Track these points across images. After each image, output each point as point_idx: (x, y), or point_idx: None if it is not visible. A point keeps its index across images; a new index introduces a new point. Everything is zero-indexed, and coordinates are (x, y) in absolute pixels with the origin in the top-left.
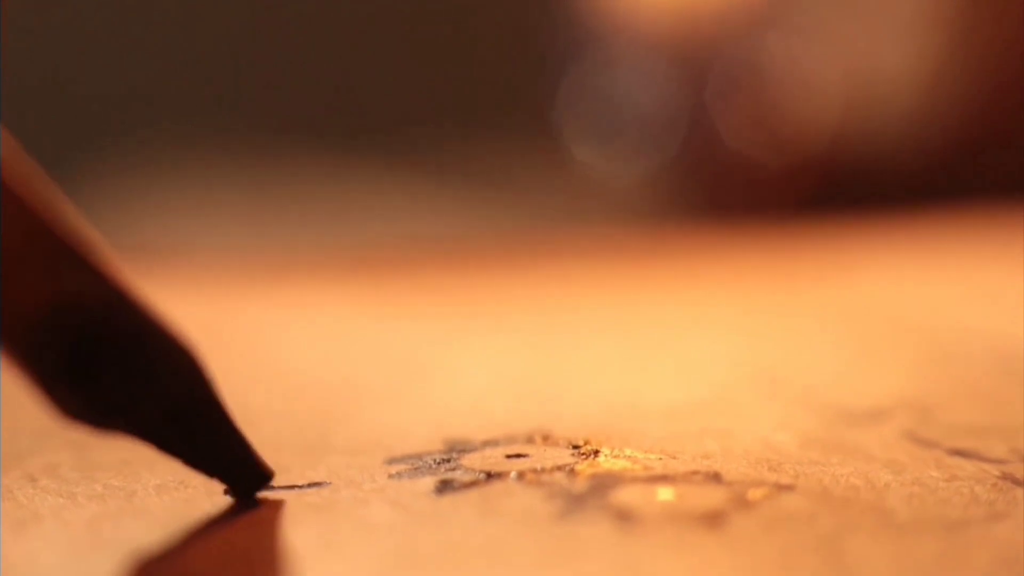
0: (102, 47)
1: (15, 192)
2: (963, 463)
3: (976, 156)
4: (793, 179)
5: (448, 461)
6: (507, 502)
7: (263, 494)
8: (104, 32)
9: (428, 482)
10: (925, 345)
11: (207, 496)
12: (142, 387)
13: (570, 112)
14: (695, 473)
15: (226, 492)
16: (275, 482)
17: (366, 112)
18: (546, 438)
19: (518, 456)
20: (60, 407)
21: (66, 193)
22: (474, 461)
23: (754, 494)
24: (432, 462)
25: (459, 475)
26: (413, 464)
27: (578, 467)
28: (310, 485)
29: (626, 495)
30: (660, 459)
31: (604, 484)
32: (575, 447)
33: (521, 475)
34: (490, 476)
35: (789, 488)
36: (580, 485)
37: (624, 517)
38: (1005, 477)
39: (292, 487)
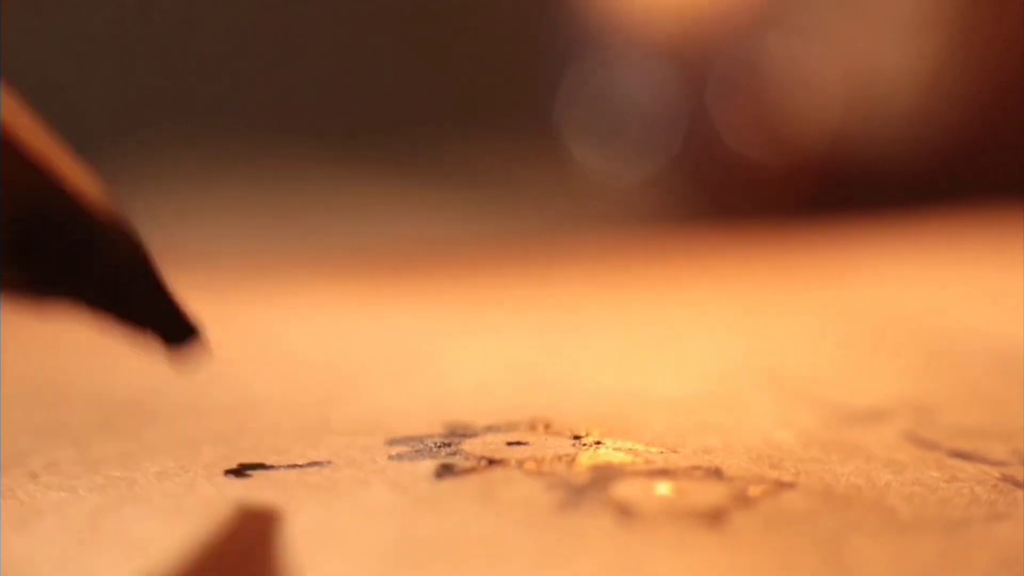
0: (102, 48)
1: None
2: (964, 464)
3: (976, 156)
4: (793, 179)
5: (449, 445)
6: (507, 490)
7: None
8: (104, 32)
9: (428, 465)
10: (925, 346)
11: (208, 480)
12: (80, 258)
13: (571, 112)
14: (696, 468)
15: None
16: (276, 461)
17: (367, 113)
18: (548, 427)
19: (519, 444)
20: (4, 285)
21: None
22: (475, 446)
23: (755, 491)
24: (433, 445)
25: (459, 460)
26: (414, 446)
27: (579, 458)
28: (311, 464)
29: (626, 489)
30: (661, 453)
31: (605, 476)
32: (576, 437)
33: (521, 463)
34: (491, 462)
35: (790, 486)
36: (580, 476)
37: (624, 511)
38: (1005, 478)
39: (293, 466)
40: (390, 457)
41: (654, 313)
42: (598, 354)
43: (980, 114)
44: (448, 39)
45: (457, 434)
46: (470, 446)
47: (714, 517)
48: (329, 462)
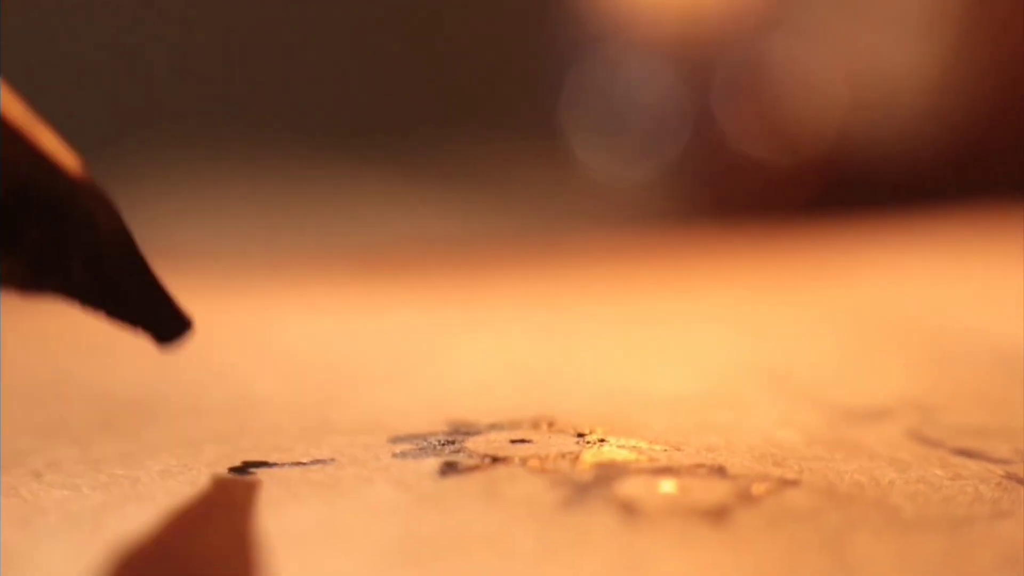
0: (102, 48)
1: None
2: (967, 462)
3: (979, 156)
4: (796, 179)
5: (452, 443)
6: (511, 488)
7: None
8: (104, 32)
9: (432, 463)
10: (928, 345)
11: (211, 478)
12: (67, 244)
13: (573, 112)
14: (699, 466)
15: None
16: (279, 459)
17: (367, 113)
18: (551, 425)
19: (523, 441)
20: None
21: None
22: (478, 444)
23: (758, 489)
24: (436, 443)
25: (463, 458)
26: (417, 444)
27: (583, 456)
28: (314, 462)
29: (630, 486)
30: (665, 451)
31: (608, 474)
32: (580, 435)
33: (525, 461)
34: (494, 460)
35: (793, 483)
36: (584, 474)
37: (628, 509)
38: (1009, 476)
39: (296, 464)
40: (394, 455)
41: (657, 311)
42: (601, 352)
43: (983, 114)
44: (448, 39)
45: (461, 432)
46: (474, 444)
47: (718, 515)
48: (332, 460)
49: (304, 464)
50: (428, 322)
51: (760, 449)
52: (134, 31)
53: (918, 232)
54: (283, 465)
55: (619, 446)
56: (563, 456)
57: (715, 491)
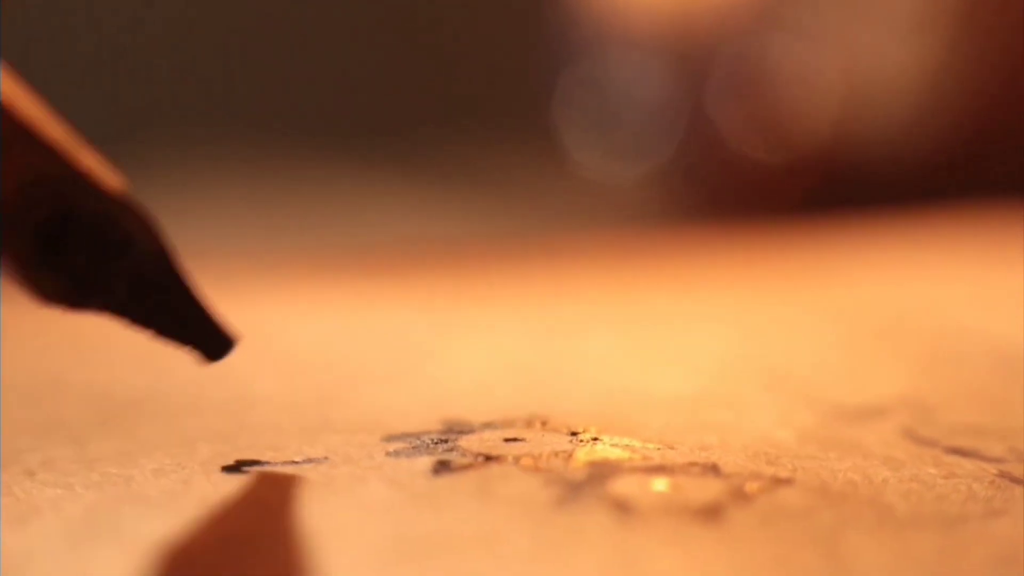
0: (102, 48)
1: None
2: (961, 461)
3: (975, 155)
4: (793, 177)
5: (446, 442)
6: (504, 487)
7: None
8: (104, 33)
9: (425, 462)
10: (924, 344)
11: (205, 476)
12: (110, 261)
13: (570, 112)
14: (693, 465)
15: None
16: (274, 458)
17: (366, 113)
18: (545, 423)
19: (516, 440)
20: (36, 290)
21: None
22: (472, 443)
23: (752, 487)
24: (430, 442)
25: (456, 456)
26: (411, 443)
27: (576, 454)
28: (308, 461)
29: (624, 485)
30: (658, 449)
31: (602, 473)
32: (573, 434)
33: (518, 459)
34: (488, 459)
35: (787, 482)
36: (578, 473)
37: (621, 507)
38: (1003, 475)
39: (290, 463)
40: (387, 454)
41: (652, 311)
42: (595, 351)
43: (979, 113)
44: (447, 40)
45: (454, 431)
46: (467, 443)
47: (711, 513)
48: (326, 459)
49: (298, 463)
50: (424, 321)
51: (754, 448)
52: (134, 31)
53: (914, 231)
54: (277, 464)
55: (613, 445)
56: (557, 455)
57: (708, 490)
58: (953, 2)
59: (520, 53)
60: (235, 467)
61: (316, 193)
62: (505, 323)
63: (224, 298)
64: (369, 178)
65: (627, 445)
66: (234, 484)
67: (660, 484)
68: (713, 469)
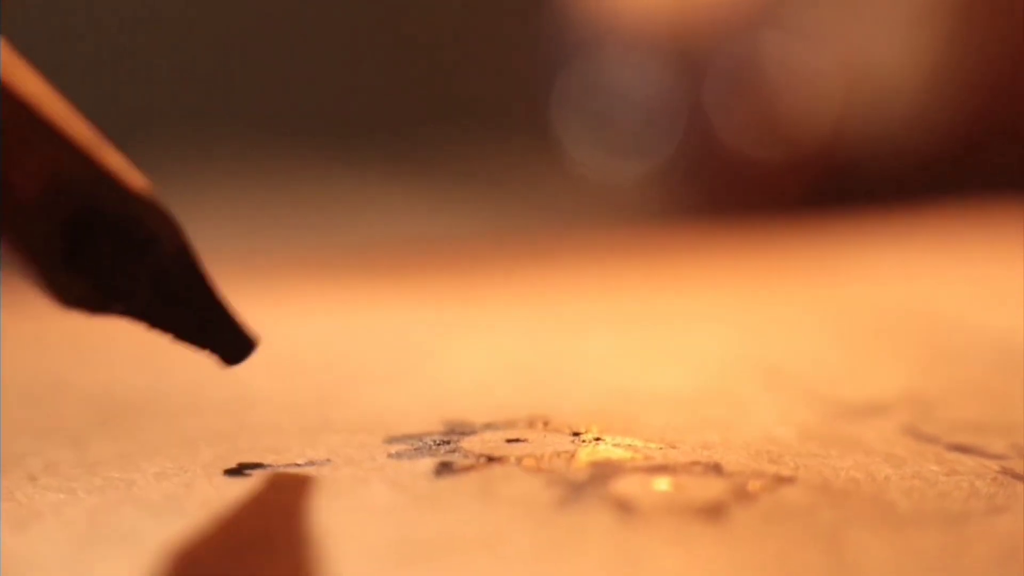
0: (102, 49)
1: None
2: (963, 458)
3: (975, 151)
4: (792, 175)
5: (448, 443)
6: (506, 487)
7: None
8: (104, 33)
9: (428, 463)
10: (925, 340)
11: (206, 480)
12: (133, 264)
13: (569, 111)
14: (695, 464)
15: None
16: (275, 460)
17: (366, 113)
18: (547, 424)
19: (518, 441)
20: (61, 294)
21: None
22: (474, 444)
23: (754, 486)
24: (432, 443)
25: (458, 458)
26: (413, 444)
27: (578, 454)
28: (310, 463)
29: (626, 485)
30: (660, 448)
31: (604, 473)
32: (575, 434)
33: (520, 460)
34: (490, 460)
35: (789, 480)
36: (580, 473)
37: (624, 507)
38: (1005, 472)
39: (292, 465)
40: (389, 455)
41: (653, 309)
42: (597, 351)
43: (978, 109)
44: (447, 40)
45: (456, 432)
46: (469, 444)
47: (713, 512)
48: (328, 460)
49: (300, 465)
50: (425, 322)
51: (756, 446)
52: (134, 31)
53: (913, 228)
54: (279, 466)
55: (615, 444)
56: (559, 455)
57: (711, 488)
58: (950, 0)
59: (519, 53)
60: (237, 470)
61: (316, 193)
62: (506, 323)
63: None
64: (369, 178)
65: (629, 445)
66: (236, 487)
67: (662, 483)
68: (715, 468)
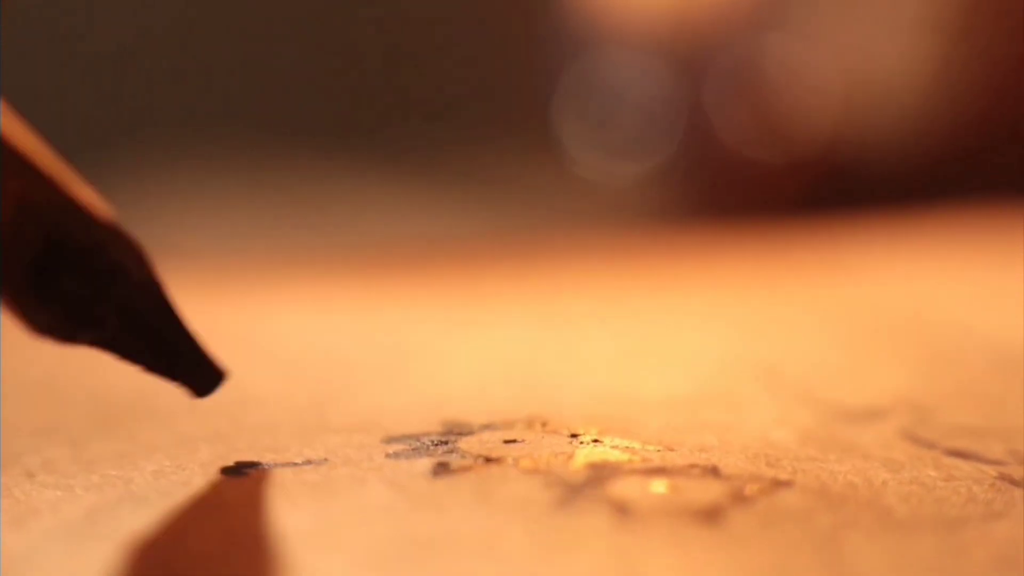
0: (101, 49)
1: None
2: (961, 463)
3: (974, 154)
4: (791, 177)
5: (446, 443)
6: (504, 489)
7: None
8: (102, 34)
9: (425, 463)
10: (924, 344)
11: (204, 478)
12: (100, 293)
13: (568, 111)
14: (693, 467)
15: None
16: (273, 459)
17: (365, 113)
18: (545, 425)
19: (516, 442)
20: (30, 322)
21: None
22: (471, 445)
23: (751, 489)
24: (429, 443)
25: (456, 458)
26: (410, 444)
27: (576, 456)
28: (307, 463)
29: (623, 487)
30: (658, 451)
31: (601, 475)
32: (573, 435)
33: (518, 461)
34: (487, 461)
35: (786, 484)
36: (577, 474)
37: (621, 509)
38: (1003, 477)
39: (289, 464)
40: (387, 455)
41: (651, 311)
42: (595, 352)
43: (979, 111)
44: (446, 39)
45: (454, 432)
46: (467, 444)
47: (710, 515)
48: (325, 460)
49: (297, 464)
50: (423, 321)
51: (754, 449)
52: (134, 31)
53: (912, 231)
54: (276, 466)
55: (612, 446)
56: (556, 456)
57: (708, 492)
58: (952, 2)
59: (519, 53)
60: (235, 469)
61: (315, 193)
62: (505, 323)
63: (223, 298)
64: (368, 178)
65: (627, 447)
66: (234, 486)
67: (660, 486)
68: (713, 471)
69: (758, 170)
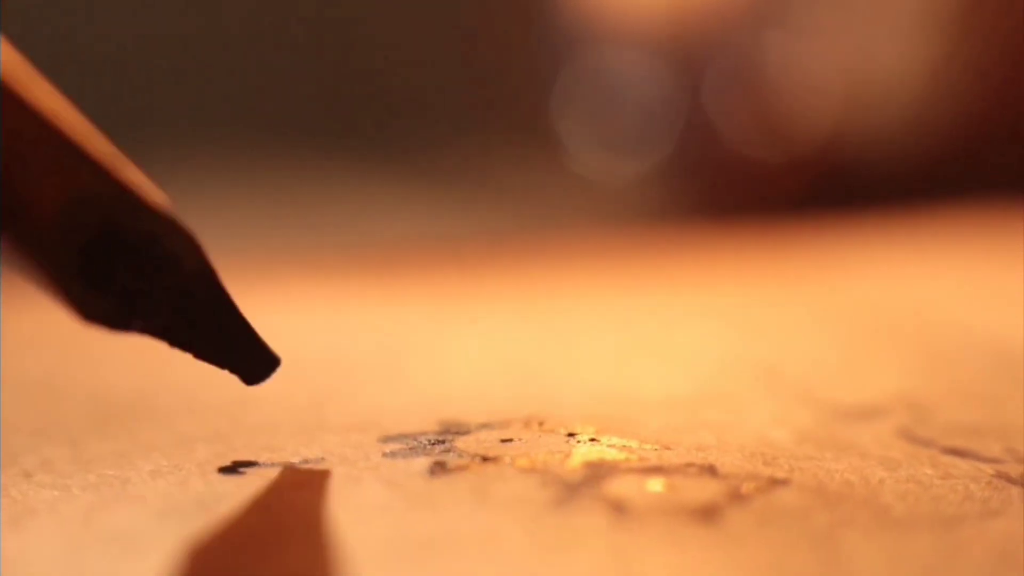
0: (102, 50)
1: (18, 93)
2: (958, 461)
3: (974, 153)
4: (790, 176)
5: (443, 442)
6: (501, 488)
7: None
8: (104, 34)
9: (422, 462)
10: (921, 343)
11: (202, 478)
12: (153, 282)
13: (568, 110)
14: (690, 465)
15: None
16: (270, 458)
17: (366, 113)
18: (542, 424)
19: (513, 441)
20: (80, 311)
21: None
22: (468, 444)
23: (748, 488)
24: (427, 442)
25: (453, 457)
26: (408, 444)
27: (573, 455)
28: (304, 462)
29: (620, 485)
30: (655, 450)
31: (598, 473)
32: (570, 434)
33: (515, 460)
34: (484, 460)
35: (783, 483)
36: (574, 473)
37: (618, 508)
38: (999, 476)
39: (287, 463)
40: (384, 454)
41: (649, 310)
42: (593, 351)
43: (978, 111)
44: (445, 40)
45: (451, 431)
46: (464, 443)
47: (707, 514)
48: (323, 459)
49: (295, 463)
50: (421, 320)
51: (751, 448)
52: (134, 31)
53: (912, 230)
54: (273, 465)
55: (609, 445)
56: (553, 455)
57: (705, 490)
58: (953, 1)
59: (519, 52)
60: (232, 468)
61: (315, 193)
62: (503, 323)
63: None
64: (369, 178)
65: (624, 446)
66: (231, 485)
67: (657, 485)
68: (710, 470)
69: (758, 169)
